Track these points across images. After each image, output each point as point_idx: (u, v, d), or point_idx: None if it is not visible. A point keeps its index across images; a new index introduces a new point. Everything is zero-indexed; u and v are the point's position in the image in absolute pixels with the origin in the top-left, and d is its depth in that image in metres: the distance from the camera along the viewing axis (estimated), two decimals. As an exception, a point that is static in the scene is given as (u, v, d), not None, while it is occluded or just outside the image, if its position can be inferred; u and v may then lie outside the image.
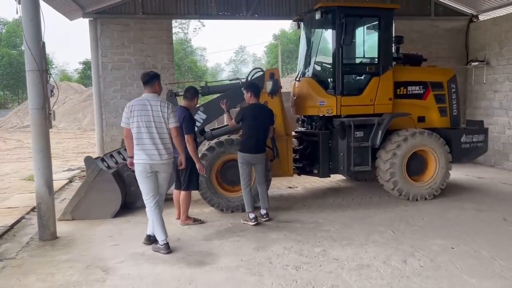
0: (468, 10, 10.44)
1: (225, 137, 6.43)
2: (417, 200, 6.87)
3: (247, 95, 5.92)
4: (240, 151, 5.86)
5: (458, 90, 7.66)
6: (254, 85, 6.07)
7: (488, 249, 4.78)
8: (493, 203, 6.77)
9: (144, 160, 4.76)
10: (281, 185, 8.26)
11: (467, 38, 10.55)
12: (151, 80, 4.89)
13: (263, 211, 6.03)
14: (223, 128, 6.76)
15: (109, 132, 9.65)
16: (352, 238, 5.24)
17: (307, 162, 7.31)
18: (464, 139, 7.32)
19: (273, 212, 6.25)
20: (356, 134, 6.83)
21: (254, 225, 5.75)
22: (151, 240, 5.06)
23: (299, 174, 7.45)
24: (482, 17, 10.42)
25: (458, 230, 5.48)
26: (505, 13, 9.62)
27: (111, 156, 7.33)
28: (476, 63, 10.07)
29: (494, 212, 6.23)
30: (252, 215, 5.82)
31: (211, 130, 6.89)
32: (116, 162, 7.13)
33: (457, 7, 10.40)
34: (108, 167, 6.69)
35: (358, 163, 6.89)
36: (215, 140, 6.44)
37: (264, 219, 5.98)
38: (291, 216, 6.25)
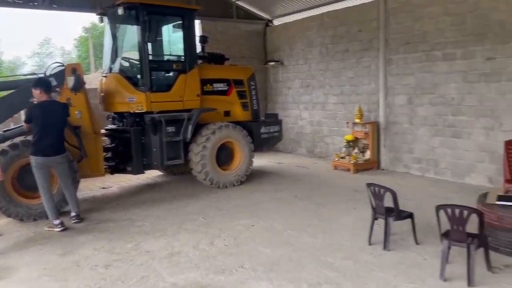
0: (264, 15, 11.73)
1: (21, 138, 5.80)
2: (226, 187, 7.50)
3: (36, 92, 5.44)
4: (32, 154, 5.34)
5: (257, 87, 8.60)
6: (43, 81, 5.65)
7: (281, 223, 5.58)
8: (288, 183, 7.86)
9: None
10: (93, 186, 7.89)
11: (265, 40, 11.87)
12: None
13: (73, 213, 5.72)
14: (17, 128, 6.08)
15: None
16: (165, 230, 5.42)
17: (120, 160, 7.19)
18: (263, 130, 8.30)
19: (84, 215, 5.97)
20: (168, 130, 7.03)
21: (60, 231, 5.38)
22: None
23: (112, 173, 7.27)
24: (276, 22, 11.85)
25: (259, 209, 6.22)
26: (293, 20, 11.16)
27: None
28: (273, 63, 11.42)
29: (288, 191, 7.25)
30: (57, 221, 5.43)
31: (4, 131, 6.12)
32: None
33: (255, 11, 11.57)
34: None
35: (171, 157, 7.11)
36: (8, 142, 5.75)
37: (74, 221, 5.67)
38: (104, 216, 6.08)
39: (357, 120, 8.87)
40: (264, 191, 7.29)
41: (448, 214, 3.70)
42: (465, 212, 3.61)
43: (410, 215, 4.64)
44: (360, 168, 8.70)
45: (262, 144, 8.32)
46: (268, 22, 11.85)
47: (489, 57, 6.87)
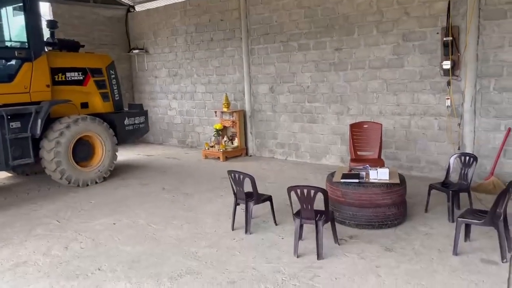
0: (125, 0, 11.08)
1: None
2: (87, 185, 6.97)
3: None
4: None
5: (118, 76, 8.12)
6: None
7: (145, 217, 5.37)
8: (157, 176, 7.63)
9: None
10: None
11: (127, 27, 11.26)
12: None
13: None
14: None
15: None
16: (10, 238, 4.81)
17: (-48, 163, 6.16)
18: (127, 122, 7.90)
19: None
20: (12, 125, 6.22)
21: None
22: None
23: None
24: (138, 8, 11.29)
25: (122, 206, 5.91)
26: (156, 6, 10.77)
27: None
28: (137, 51, 10.90)
29: (156, 184, 7.04)
30: None
31: None
32: None
33: (115, -4, 10.89)
34: None
35: (18, 156, 6.32)
36: None
37: None
38: None
39: (225, 109, 9.00)
40: (129, 186, 6.96)
41: (297, 194, 3.95)
42: (312, 192, 3.89)
43: (269, 198, 4.86)
44: (229, 155, 8.87)
45: (126, 136, 7.93)
46: (129, 8, 11.23)
47: (336, 47, 7.52)
